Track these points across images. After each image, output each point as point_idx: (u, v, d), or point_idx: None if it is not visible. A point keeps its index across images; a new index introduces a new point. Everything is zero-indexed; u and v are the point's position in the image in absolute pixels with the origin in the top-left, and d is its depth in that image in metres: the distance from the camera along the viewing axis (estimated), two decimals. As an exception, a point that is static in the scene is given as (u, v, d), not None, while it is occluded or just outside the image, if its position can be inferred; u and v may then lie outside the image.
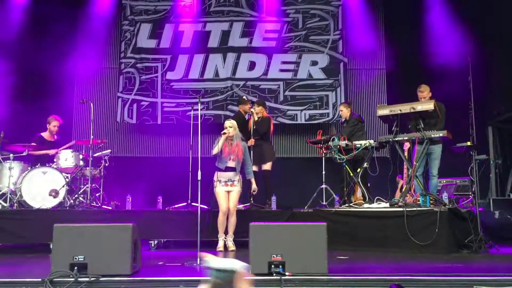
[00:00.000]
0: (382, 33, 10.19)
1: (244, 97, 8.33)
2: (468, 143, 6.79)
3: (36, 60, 9.30)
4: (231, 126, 6.19)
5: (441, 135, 6.25)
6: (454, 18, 9.33)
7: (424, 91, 6.83)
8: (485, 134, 9.36)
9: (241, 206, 7.04)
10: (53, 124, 7.67)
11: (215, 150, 6.11)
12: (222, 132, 6.18)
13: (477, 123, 9.61)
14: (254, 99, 8.54)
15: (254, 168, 7.41)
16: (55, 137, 7.77)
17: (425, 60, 9.39)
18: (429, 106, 6.21)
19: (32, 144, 7.32)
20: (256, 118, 7.53)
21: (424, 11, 9.67)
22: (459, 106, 9.34)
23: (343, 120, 8.12)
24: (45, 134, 7.69)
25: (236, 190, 6.19)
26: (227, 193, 6.17)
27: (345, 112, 7.79)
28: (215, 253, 5.89)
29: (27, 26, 9.28)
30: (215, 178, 6.20)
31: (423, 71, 9.31)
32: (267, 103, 9.19)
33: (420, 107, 6.25)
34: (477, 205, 6.22)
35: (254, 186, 6.44)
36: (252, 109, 7.61)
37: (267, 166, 7.50)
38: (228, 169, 6.17)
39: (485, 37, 9.31)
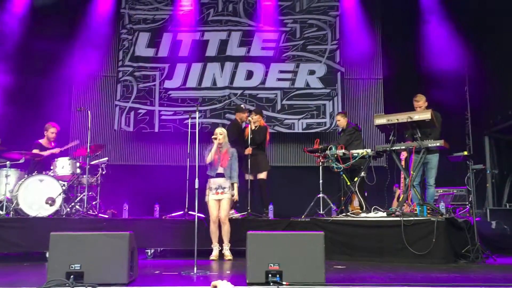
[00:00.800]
0: (379, 42, 10.26)
1: (242, 105, 8.34)
2: (465, 153, 6.81)
3: (33, 68, 9.32)
4: (221, 133, 6.32)
5: (438, 144, 6.26)
6: (451, 29, 9.39)
7: (420, 100, 6.86)
8: (482, 143, 9.40)
9: (238, 215, 7.03)
10: (51, 131, 7.67)
11: (209, 158, 6.21)
12: (212, 138, 6.26)
13: (473, 132, 9.69)
14: (252, 108, 8.57)
15: (250, 177, 7.41)
16: (52, 144, 7.76)
17: (422, 69, 9.47)
18: (426, 115, 6.22)
19: (33, 151, 7.30)
20: (253, 127, 7.54)
21: (421, 21, 9.74)
22: (456, 116, 9.40)
23: (340, 129, 8.14)
24: (43, 141, 7.68)
25: (226, 197, 6.19)
26: (218, 202, 6.18)
27: (342, 121, 7.82)
28: (209, 262, 5.87)
29: (24, 34, 9.29)
30: (207, 185, 6.26)
31: (420, 81, 9.39)
32: (265, 112, 9.22)
33: (417, 116, 6.26)
34: (474, 215, 6.22)
35: (235, 193, 6.31)
36: (249, 118, 7.61)
37: (262, 175, 7.48)
38: (218, 175, 6.23)
39: (481, 47, 9.37)
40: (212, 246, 6.16)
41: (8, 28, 9.19)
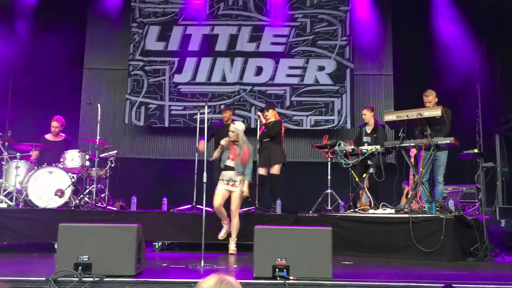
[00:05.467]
0: (389, 38, 10.18)
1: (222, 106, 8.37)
2: (475, 151, 6.74)
3: (43, 60, 9.35)
4: (233, 131, 6.24)
5: (448, 141, 6.21)
6: (462, 26, 9.31)
7: (430, 95, 6.79)
8: (492, 141, 9.32)
9: (246, 209, 7.03)
10: (52, 124, 7.70)
11: (213, 156, 6.36)
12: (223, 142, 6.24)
13: (484, 130, 9.61)
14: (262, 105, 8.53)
15: (263, 171, 7.38)
16: (62, 136, 7.80)
17: (432, 66, 9.39)
18: (437, 112, 6.17)
19: (37, 144, 7.36)
20: (264, 122, 7.52)
21: (433, 17, 9.66)
22: (467, 113, 9.32)
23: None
24: (49, 135, 7.73)
25: (237, 191, 6.16)
26: (228, 192, 6.16)
27: (368, 116, 7.68)
28: (216, 255, 5.88)
29: (35, 28, 9.35)
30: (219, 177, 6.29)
31: (430, 77, 9.31)
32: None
33: (427, 113, 6.22)
34: (483, 213, 6.18)
35: (245, 190, 6.17)
36: (259, 113, 7.60)
37: (274, 170, 7.38)
38: (227, 168, 6.22)
39: (493, 44, 9.28)
40: (222, 223, 6.21)
41: (19, 23, 9.25)
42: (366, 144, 7.33)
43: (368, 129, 7.67)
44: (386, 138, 7.62)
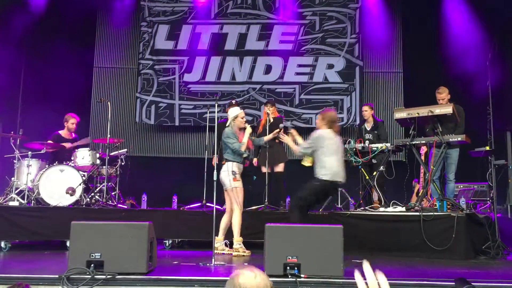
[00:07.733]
0: (399, 36, 10.12)
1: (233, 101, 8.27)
2: (487, 148, 6.70)
3: (53, 59, 9.40)
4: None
5: (459, 139, 6.16)
6: (473, 21, 9.24)
7: (443, 92, 6.76)
8: (504, 139, 9.24)
9: (255, 207, 7.04)
10: (71, 122, 7.75)
11: (244, 147, 5.87)
12: (247, 126, 6.03)
13: (495, 127, 9.52)
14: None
15: (268, 170, 7.37)
16: (73, 135, 7.85)
17: (443, 63, 9.32)
18: (448, 109, 6.13)
19: (49, 141, 7.42)
20: (271, 119, 7.50)
21: (443, 14, 9.59)
22: (478, 111, 9.24)
23: (360, 122, 8.06)
24: (63, 132, 7.78)
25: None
26: None
27: (369, 112, 7.74)
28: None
29: (45, 27, 9.41)
30: (234, 169, 5.87)
31: (441, 74, 9.24)
32: (282, 107, 9.21)
33: (438, 110, 6.18)
34: (495, 211, 6.13)
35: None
36: (267, 110, 7.56)
37: (279, 168, 7.40)
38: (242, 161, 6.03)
39: (505, 40, 9.19)
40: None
41: (30, 20, 9.30)
42: (367, 141, 7.33)
43: (368, 126, 7.70)
44: (387, 134, 7.62)
